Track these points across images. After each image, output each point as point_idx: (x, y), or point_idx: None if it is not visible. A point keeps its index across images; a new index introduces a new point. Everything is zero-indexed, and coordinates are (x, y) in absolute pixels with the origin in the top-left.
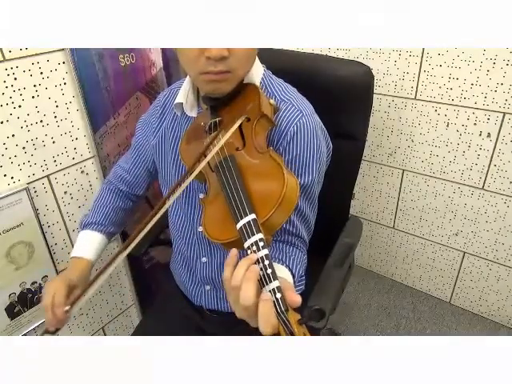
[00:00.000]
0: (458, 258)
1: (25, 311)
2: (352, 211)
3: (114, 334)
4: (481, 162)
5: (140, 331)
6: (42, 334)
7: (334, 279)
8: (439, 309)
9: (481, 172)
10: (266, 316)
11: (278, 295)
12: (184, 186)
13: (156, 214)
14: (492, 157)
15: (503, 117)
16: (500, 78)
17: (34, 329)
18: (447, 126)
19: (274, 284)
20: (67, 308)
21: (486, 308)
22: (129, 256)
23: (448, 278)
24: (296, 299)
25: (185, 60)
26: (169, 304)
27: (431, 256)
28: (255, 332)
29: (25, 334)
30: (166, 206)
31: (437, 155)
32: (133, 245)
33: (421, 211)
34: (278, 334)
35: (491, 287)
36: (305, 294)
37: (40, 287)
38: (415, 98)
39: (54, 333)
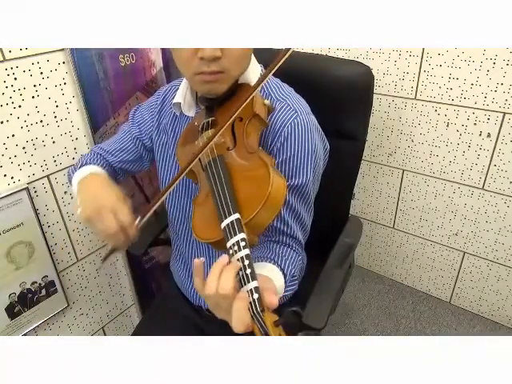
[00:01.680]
0: (458, 258)
1: (25, 311)
2: (352, 211)
3: (114, 334)
4: (481, 162)
5: (140, 331)
6: (111, 253)
7: (333, 279)
8: (439, 309)
9: (481, 172)
10: (240, 314)
11: (256, 296)
12: (175, 183)
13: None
14: (492, 157)
15: (503, 117)
16: (500, 78)
17: (33, 329)
18: (447, 126)
19: (253, 284)
20: (138, 221)
21: (486, 308)
22: (129, 256)
23: (448, 277)
24: (273, 301)
25: (179, 61)
26: (168, 304)
27: (431, 256)
28: (254, 332)
29: (25, 334)
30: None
31: (437, 155)
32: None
33: (421, 211)
34: (251, 332)
35: (491, 287)
36: (305, 294)
37: (40, 287)
38: (415, 98)
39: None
